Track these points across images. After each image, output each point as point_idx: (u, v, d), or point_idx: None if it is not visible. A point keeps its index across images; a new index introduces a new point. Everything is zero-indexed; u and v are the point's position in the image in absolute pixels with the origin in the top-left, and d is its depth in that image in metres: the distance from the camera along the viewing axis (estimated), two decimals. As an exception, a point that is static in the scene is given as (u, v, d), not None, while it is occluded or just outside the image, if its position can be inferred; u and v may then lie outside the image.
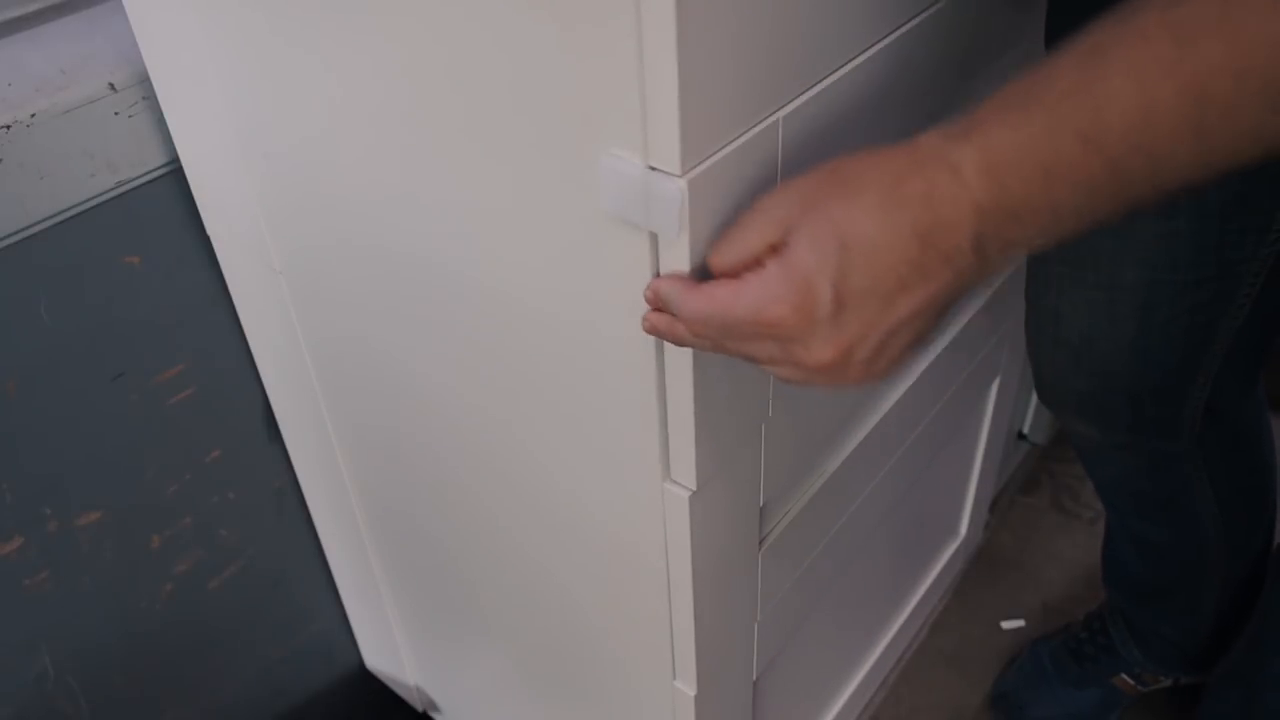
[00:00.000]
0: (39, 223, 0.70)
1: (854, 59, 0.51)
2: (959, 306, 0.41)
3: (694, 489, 0.55)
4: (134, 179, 0.73)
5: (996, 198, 0.37)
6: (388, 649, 1.08)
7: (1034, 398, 1.33)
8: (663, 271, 0.47)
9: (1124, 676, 1.07)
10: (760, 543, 0.68)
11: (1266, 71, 0.33)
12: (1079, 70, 0.36)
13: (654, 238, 0.46)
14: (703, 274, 0.45)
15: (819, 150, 0.51)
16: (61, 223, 0.71)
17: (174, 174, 0.75)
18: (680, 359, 0.50)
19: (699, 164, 0.43)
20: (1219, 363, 0.74)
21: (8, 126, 0.65)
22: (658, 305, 0.46)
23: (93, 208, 0.72)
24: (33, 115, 0.66)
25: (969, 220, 0.38)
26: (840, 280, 0.39)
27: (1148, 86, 0.34)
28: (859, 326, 0.40)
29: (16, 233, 0.69)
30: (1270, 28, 0.32)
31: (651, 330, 0.46)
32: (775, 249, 0.40)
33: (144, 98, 0.71)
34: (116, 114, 0.70)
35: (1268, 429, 0.91)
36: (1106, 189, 0.37)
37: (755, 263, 0.41)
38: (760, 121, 0.46)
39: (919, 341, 0.41)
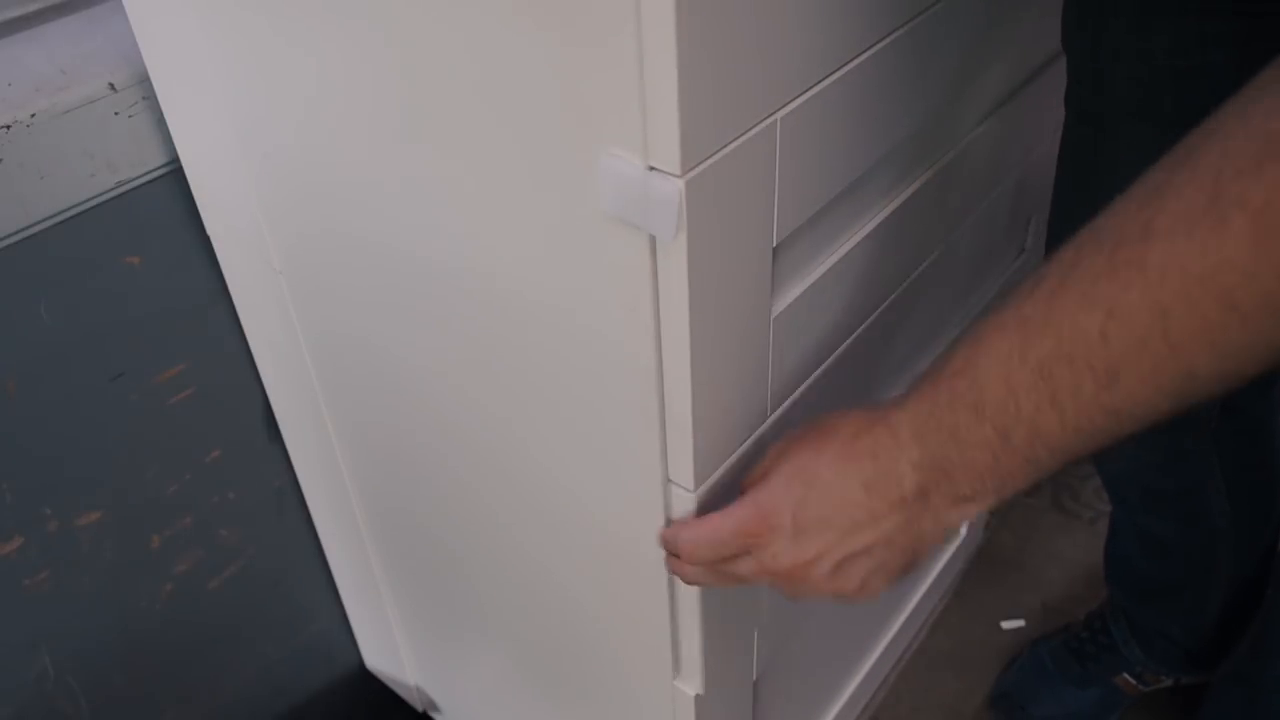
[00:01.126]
0: (39, 223, 0.70)
1: (853, 60, 0.51)
2: (935, 549, 0.50)
3: (692, 489, 0.55)
4: (134, 179, 0.73)
5: (925, 455, 0.45)
6: (388, 649, 1.08)
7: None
8: (660, 276, 0.47)
9: (1125, 676, 1.07)
10: (760, 543, 0.68)
11: (1084, 361, 0.38)
12: (964, 353, 0.43)
13: (654, 240, 0.46)
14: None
15: (819, 150, 0.51)
16: (61, 223, 0.71)
17: (174, 174, 0.75)
18: (680, 360, 0.50)
19: (698, 165, 0.43)
20: None
21: (8, 126, 0.65)
22: (671, 549, 0.56)
23: (93, 208, 0.72)
24: (33, 115, 0.66)
25: (908, 474, 0.45)
26: (799, 510, 0.48)
27: (1007, 371, 0.41)
28: (816, 548, 0.48)
29: (16, 233, 0.69)
30: (1084, 322, 0.37)
31: (670, 571, 0.58)
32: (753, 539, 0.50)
33: (144, 98, 0.71)
34: (116, 114, 0.70)
35: None
36: (1014, 450, 0.42)
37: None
38: (759, 123, 0.46)
39: (887, 571, 0.49)
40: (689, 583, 0.57)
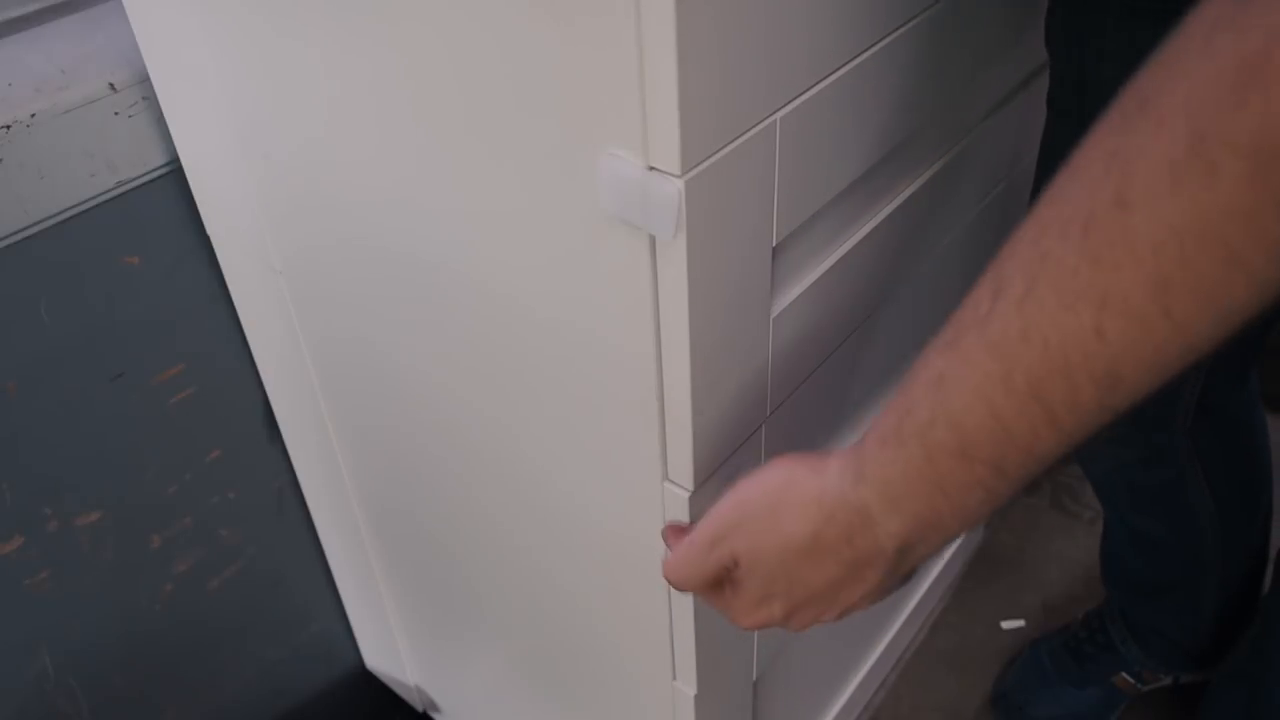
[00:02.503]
0: (39, 223, 0.70)
1: (852, 60, 0.51)
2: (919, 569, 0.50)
3: (692, 489, 0.55)
4: (134, 179, 0.73)
5: (906, 524, 0.42)
6: (388, 649, 1.08)
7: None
8: (659, 276, 0.47)
9: (1124, 675, 1.07)
10: (760, 543, 0.68)
11: (1081, 368, 0.34)
12: (930, 399, 0.39)
13: (654, 239, 0.46)
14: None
15: (819, 150, 0.51)
16: (61, 223, 0.71)
17: (174, 174, 0.76)
18: (679, 359, 0.50)
19: (698, 165, 0.43)
20: (1211, 358, 0.74)
21: (8, 126, 0.65)
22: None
23: (93, 208, 0.72)
24: (33, 115, 0.66)
25: (889, 544, 0.43)
26: (788, 598, 0.47)
27: (990, 404, 0.37)
28: (813, 613, 0.48)
29: (16, 233, 0.69)
30: (1072, 323, 0.33)
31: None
32: (729, 576, 0.49)
33: (144, 98, 0.71)
34: (116, 114, 0.70)
35: (1261, 422, 0.91)
36: (1008, 477, 0.39)
37: (715, 581, 0.50)
38: (759, 123, 0.46)
39: (874, 599, 0.47)
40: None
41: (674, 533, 0.55)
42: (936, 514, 0.41)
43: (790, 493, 0.46)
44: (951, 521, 0.41)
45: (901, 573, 0.46)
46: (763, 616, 0.49)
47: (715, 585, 0.50)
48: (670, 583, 0.52)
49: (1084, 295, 0.33)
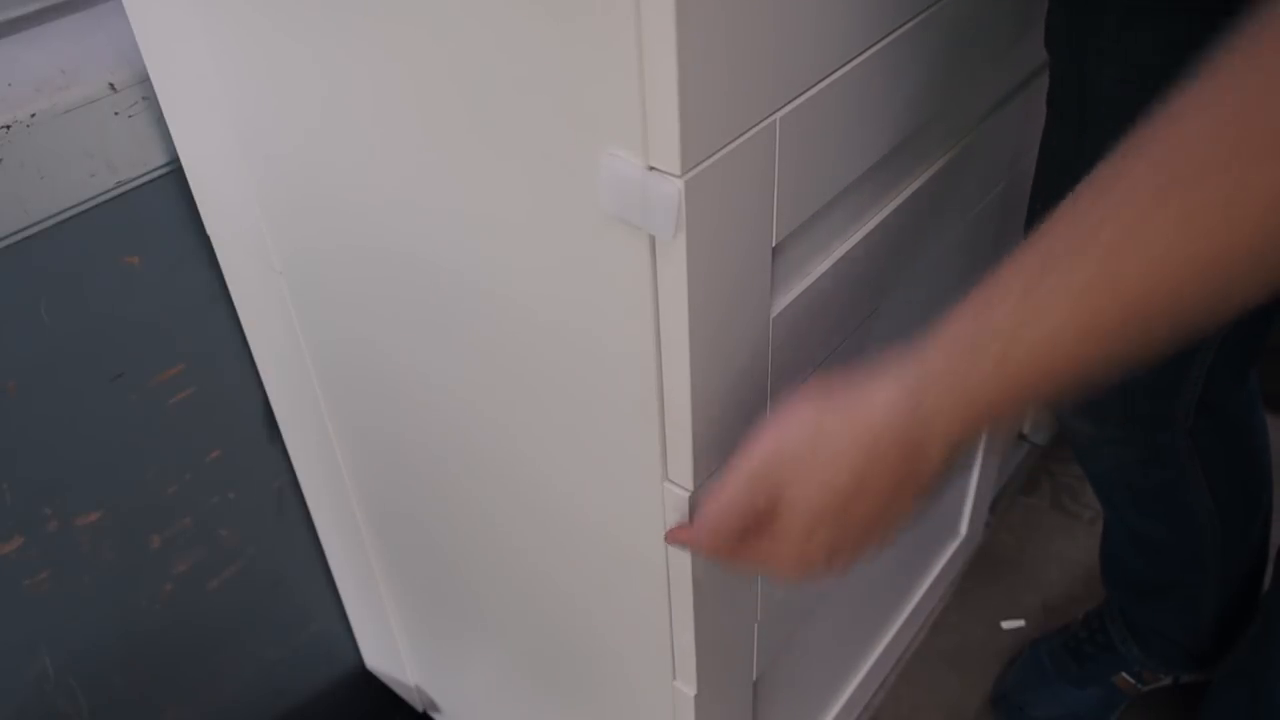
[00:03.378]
0: (39, 223, 0.70)
1: (852, 60, 0.51)
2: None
3: (691, 489, 0.55)
4: (134, 179, 0.73)
5: (962, 438, 0.43)
6: (388, 649, 1.08)
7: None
8: (659, 276, 0.47)
9: (1124, 675, 1.07)
10: (760, 543, 0.68)
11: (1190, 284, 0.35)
12: (1014, 318, 0.39)
13: (654, 240, 0.46)
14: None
15: (819, 150, 0.51)
16: (61, 223, 0.71)
17: (174, 174, 0.75)
18: (679, 359, 0.50)
19: (698, 165, 0.43)
20: (1212, 357, 0.75)
21: (8, 126, 0.65)
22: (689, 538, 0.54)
23: (93, 208, 0.72)
24: (33, 115, 0.66)
25: (941, 455, 0.44)
26: (833, 536, 0.47)
27: (1086, 320, 0.38)
28: (856, 546, 0.48)
29: (16, 233, 0.69)
30: (1181, 249, 0.35)
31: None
32: (763, 525, 0.48)
33: (144, 98, 0.71)
34: (116, 114, 0.70)
35: (1260, 421, 0.91)
36: (1070, 392, 0.40)
37: (746, 531, 0.49)
38: (759, 123, 0.46)
39: (917, 514, 0.48)
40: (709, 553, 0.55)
41: (680, 530, 0.55)
42: (998, 421, 0.42)
43: (829, 426, 0.45)
44: (1000, 429, 0.43)
45: (940, 481, 0.46)
46: (808, 560, 0.48)
47: (745, 538, 0.49)
48: (698, 540, 0.51)
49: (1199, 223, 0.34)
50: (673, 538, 0.56)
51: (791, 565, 0.49)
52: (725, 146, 0.44)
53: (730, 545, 0.50)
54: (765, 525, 0.49)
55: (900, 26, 0.54)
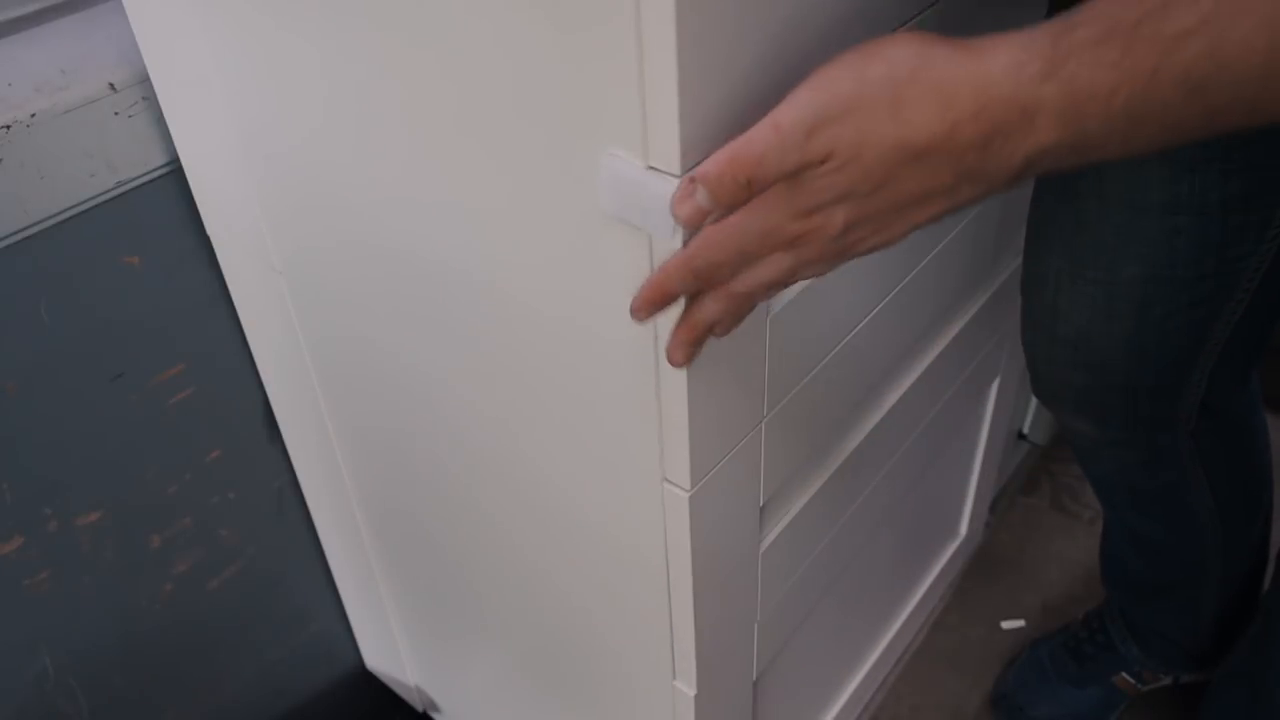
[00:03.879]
0: (39, 223, 0.70)
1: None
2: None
3: (690, 490, 0.55)
4: (134, 179, 0.73)
5: (1060, 139, 0.36)
6: (388, 649, 1.08)
7: (1034, 398, 1.33)
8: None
9: (1124, 675, 1.07)
10: (760, 543, 0.68)
11: None
12: (1196, 12, 0.33)
13: (652, 238, 0.46)
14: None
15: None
16: (61, 223, 0.71)
17: (174, 174, 0.76)
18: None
19: (697, 165, 0.43)
20: (1214, 359, 0.75)
21: (8, 126, 0.65)
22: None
23: (93, 208, 0.72)
24: (33, 115, 0.66)
25: (1021, 160, 0.37)
26: (861, 207, 0.39)
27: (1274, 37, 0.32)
28: (872, 230, 0.40)
29: (16, 233, 0.69)
30: None
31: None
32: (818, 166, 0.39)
33: (144, 98, 0.71)
34: (116, 114, 0.70)
35: (1261, 423, 0.91)
36: (1194, 128, 0.35)
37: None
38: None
39: (944, 217, 0.41)
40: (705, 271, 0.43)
41: (684, 197, 0.41)
42: (1096, 140, 0.36)
43: (927, 75, 0.38)
44: (1093, 153, 0.36)
45: (989, 195, 0.39)
46: (814, 224, 0.39)
47: (774, 200, 0.40)
48: (717, 188, 0.39)
49: None
50: (679, 205, 0.41)
51: (790, 224, 0.39)
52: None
53: (761, 209, 0.40)
54: (803, 185, 0.39)
55: (900, 27, 0.54)
